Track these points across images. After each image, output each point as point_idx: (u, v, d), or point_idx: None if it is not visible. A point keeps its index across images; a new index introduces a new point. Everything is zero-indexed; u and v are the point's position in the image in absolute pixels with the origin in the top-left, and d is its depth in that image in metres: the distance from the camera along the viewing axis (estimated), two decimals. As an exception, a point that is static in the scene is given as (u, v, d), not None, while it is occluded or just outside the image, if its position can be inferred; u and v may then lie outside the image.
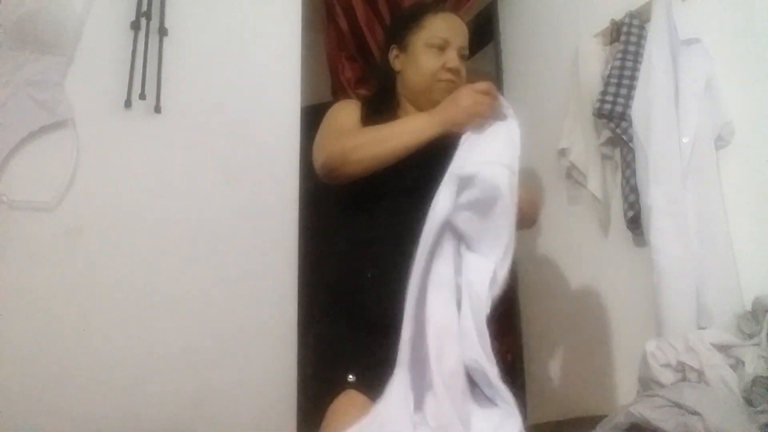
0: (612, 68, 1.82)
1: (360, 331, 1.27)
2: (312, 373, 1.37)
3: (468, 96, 1.27)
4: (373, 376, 1.18)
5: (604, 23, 1.96)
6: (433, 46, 1.42)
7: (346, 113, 1.43)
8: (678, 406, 1.14)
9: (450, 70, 1.41)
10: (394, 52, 1.49)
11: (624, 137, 1.78)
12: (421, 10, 1.50)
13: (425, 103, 1.41)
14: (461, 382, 1.07)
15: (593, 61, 1.99)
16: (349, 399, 1.20)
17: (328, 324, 1.36)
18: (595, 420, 1.30)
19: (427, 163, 1.25)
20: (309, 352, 1.41)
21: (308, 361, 1.41)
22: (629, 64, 1.79)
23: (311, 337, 1.41)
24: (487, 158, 1.19)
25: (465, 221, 1.16)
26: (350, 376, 1.21)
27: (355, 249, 1.36)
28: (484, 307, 1.10)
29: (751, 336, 1.35)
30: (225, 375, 1.72)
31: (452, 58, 1.42)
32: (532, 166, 2.41)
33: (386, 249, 1.29)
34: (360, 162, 1.27)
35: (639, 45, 1.80)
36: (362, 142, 1.30)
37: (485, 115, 1.26)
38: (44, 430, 1.48)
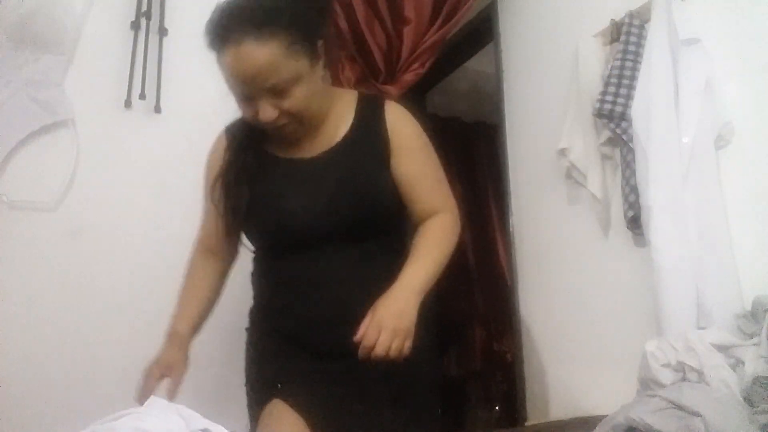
0: (612, 68, 1.82)
1: (286, 344, 1.29)
2: (247, 384, 1.38)
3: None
4: (298, 386, 1.23)
5: (604, 23, 1.96)
6: (240, 98, 1.18)
7: (206, 187, 1.34)
8: (678, 407, 1.14)
9: (263, 123, 1.17)
10: None
11: (624, 137, 1.78)
12: (212, 40, 1.19)
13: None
14: None
15: (593, 61, 1.99)
16: (277, 411, 1.22)
17: (256, 335, 1.39)
18: (595, 420, 1.30)
19: (309, 224, 1.23)
20: (245, 364, 1.40)
21: (245, 374, 1.39)
22: (629, 64, 1.79)
23: (245, 349, 1.41)
24: None
25: None
26: (278, 384, 1.25)
27: (267, 274, 1.37)
28: None
29: (751, 336, 1.35)
30: (232, 374, 1.72)
31: (259, 110, 1.16)
32: (533, 166, 2.42)
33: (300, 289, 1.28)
34: None
35: (639, 45, 1.80)
36: None
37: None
38: (44, 429, 1.49)
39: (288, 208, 1.25)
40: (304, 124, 1.21)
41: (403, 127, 1.29)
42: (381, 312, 1.13)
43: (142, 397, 1.21)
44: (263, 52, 1.11)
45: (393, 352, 1.12)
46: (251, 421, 1.33)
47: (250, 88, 1.15)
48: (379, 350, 1.11)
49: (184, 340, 1.32)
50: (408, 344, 1.14)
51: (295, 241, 1.25)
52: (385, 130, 1.26)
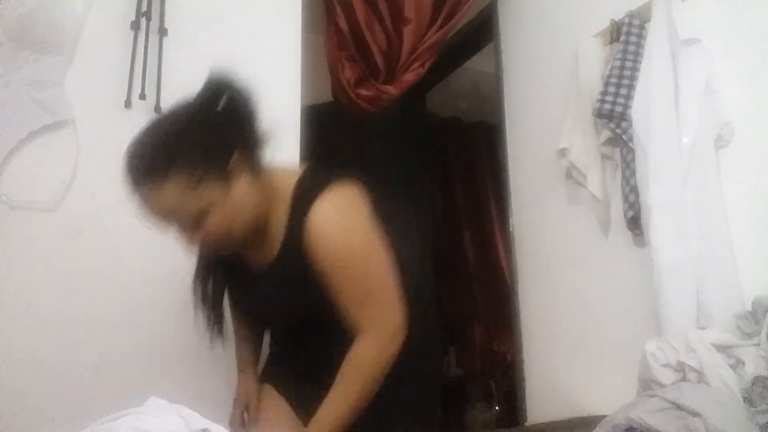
0: (612, 68, 1.82)
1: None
2: None
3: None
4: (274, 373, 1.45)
5: (604, 23, 1.96)
6: (161, 226, 1.17)
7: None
8: (678, 407, 1.14)
9: (188, 245, 1.18)
10: None
11: (624, 137, 1.78)
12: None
13: None
14: None
15: (593, 61, 1.99)
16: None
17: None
18: (595, 420, 1.30)
19: (264, 321, 1.47)
20: None
21: None
22: (629, 64, 1.79)
23: None
24: None
25: None
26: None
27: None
28: None
29: (751, 336, 1.35)
30: (232, 374, 1.72)
31: (185, 239, 1.17)
32: (533, 166, 2.42)
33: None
34: None
35: (639, 45, 1.80)
36: None
37: None
38: (44, 429, 1.48)
39: (246, 305, 1.42)
40: (235, 238, 1.17)
41: (326, 243, 1.16)
42: None
43: (233, 424, 1.46)
44: (162, 198, 1.09)
45: None
46: None
47: (165, 224, 1.15)
48: None
49: (249, 372, 1.53)
50: None
51: (259, 327, 1.53)
52: (309, 249, 1.17)
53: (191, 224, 1.12)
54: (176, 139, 1.12)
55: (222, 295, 1.38)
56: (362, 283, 1.19)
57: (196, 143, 1.11)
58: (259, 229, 1.22)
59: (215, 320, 1.34)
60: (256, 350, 1.55)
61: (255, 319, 1.48)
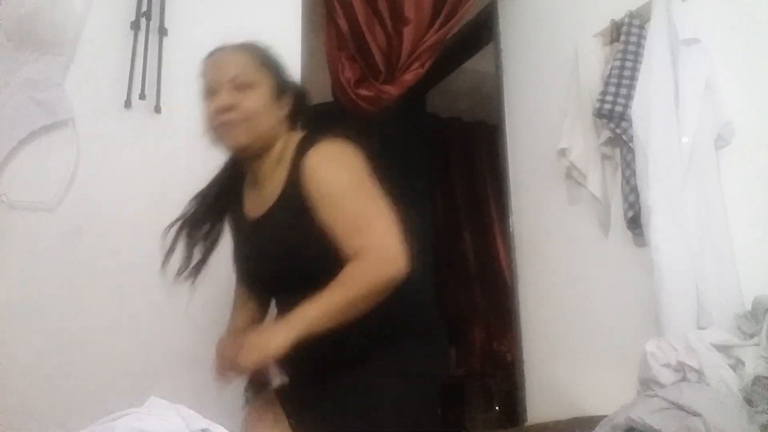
0: (612, 68, 1.82)
1: None
2: None
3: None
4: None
5: (604, 23, 1.96)
6: (206, 92, 1.33)
7: None
8: (678, 407, 1.14)
9: (217, 110, 1.29)
10: None
11: (624, 137, 1.78)
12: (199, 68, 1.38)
13: (229, 151, 1.39)
14: None
15: (593, 61, 1.99)
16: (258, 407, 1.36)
17: None
18: (595, 420, 1.30)
19: (261, 272, 1.38)
20: None
21: None
22: (629, 64, 1.79)
23: None
24: None
25: None
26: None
27: None
28: None
29: (751, 336, 1.35)
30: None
31: (218, 99, 1.29)
32: (533, 166, 2.42)
33: None
34: None
35: (639, 45, 1.80)
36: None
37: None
38: (44, 429, 1.49)
39: (244, 260, 1.42)
40: (247, 133, 1.30)
41: (319, 178, 1.25)
42: (245, 341, 1.20)
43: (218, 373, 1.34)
44: (237, 54, 1.34)
45: (219, 379, 1.29)
46: None
47: (217, 75, 1.31)
48: (215, 374, 1.29)
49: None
50: (240, 375, 1.29)
51: (258, 286, 1.44)
52: (304, 189, 1.25)
53: (238, 84, 1.29)
54: (269, 54, 1.39)
55: (216, 242, 1.43)
56: (355, 212, 1.22)
57: (280, 66, 1.39)
58: (261, 148, 1.33)
59: (200, 262, 1.42)
60: (251, 320, 1.49)
61: (254, 271, 1.41)
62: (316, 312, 1.15)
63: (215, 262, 1.80)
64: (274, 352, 1.14)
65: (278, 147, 1.34)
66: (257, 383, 1.41)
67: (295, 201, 1.25)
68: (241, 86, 1.29)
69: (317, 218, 1.22)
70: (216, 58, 1.34)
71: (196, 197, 1.44)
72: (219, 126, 1.30)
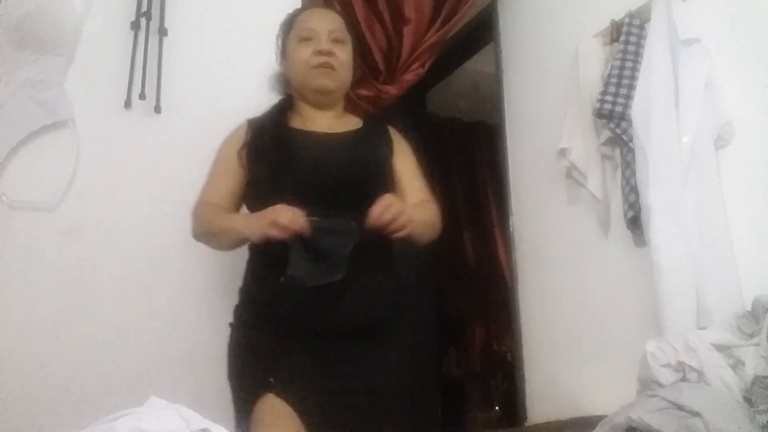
0: (612, 68, 1.82)
1: (278, 337, 1.34)
2: (234, 381, 1.40)
3: (274, 211, 1.27)
4: (291, 381, 1.28)
5: (604, 23, 1.96)
6: (303, 39, 1.50)
7: (221, 158, 1.51)
8: (678, 407, 1.14)
9: (320, 52, 1.47)
10: (281, 62, 1.60)
11: (624, 137, 1.78)
12: (292, 14, 1.60)
13: (309, 94, 1.52)
14: None
15: (593, 61, 1.99)
16: (271, 406, 1.26)
17: (245, 331, 1.41)
18: (595, 420, 1.30)
19: (324, 178, 1.39)
20: (230, 360, 1.42)
21: (230, 370, 1.41)
22: (629, 64, 1.79)
23: (230, 345, 1.43)
24: None
25: None
26: (271, 379, 1.29)
27: (265, 257, 1.39)
28: None
29: (751, 336, 1.35)
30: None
31: (320, 41, 1.48)
32: (533, 166, 2.42)
33: None
34: (200, 238, 1.48)
35: (639, 45, 1.80)
36: (203, 230, 1.45)
37: (278, 233, 1.25)
38: (44, 429, 1.49)
39: (310, 161, 1.43)
40: (336, 80, 1.50)
41: (401, 139, 1.61)
42: (392, 199, 1.33)
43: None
44: (333, 13, 1.60)
45: (394, 226, 1.30)
46: (239, 415, 1.34)
47: (318, 25, 1.50)
48: (387, 216, 1.28)
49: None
50: (406, 231, 1.32)
51: (309, 196, 1.34)
52: (389, 134, 1.59)
53: (335, 38, 1.50)
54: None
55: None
56: (422, 178, 1.59)
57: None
58: (341, 94, 1.58)
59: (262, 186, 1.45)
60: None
61: (317, 176, 1.40)
62: (419, 216, 1.39)
63: (213, 264, 1.81)
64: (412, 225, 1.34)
65: (339, 107, 1.57)
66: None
67: (381, 135, 1.56)
68: (337, 40, 1.50)
69: (392, 161, 1.52)
70: (317, 10, 1.59)
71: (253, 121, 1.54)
72: (317, 66, 1.47)
